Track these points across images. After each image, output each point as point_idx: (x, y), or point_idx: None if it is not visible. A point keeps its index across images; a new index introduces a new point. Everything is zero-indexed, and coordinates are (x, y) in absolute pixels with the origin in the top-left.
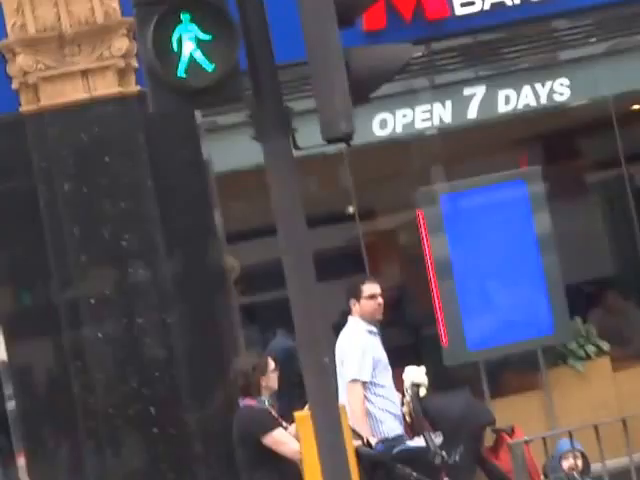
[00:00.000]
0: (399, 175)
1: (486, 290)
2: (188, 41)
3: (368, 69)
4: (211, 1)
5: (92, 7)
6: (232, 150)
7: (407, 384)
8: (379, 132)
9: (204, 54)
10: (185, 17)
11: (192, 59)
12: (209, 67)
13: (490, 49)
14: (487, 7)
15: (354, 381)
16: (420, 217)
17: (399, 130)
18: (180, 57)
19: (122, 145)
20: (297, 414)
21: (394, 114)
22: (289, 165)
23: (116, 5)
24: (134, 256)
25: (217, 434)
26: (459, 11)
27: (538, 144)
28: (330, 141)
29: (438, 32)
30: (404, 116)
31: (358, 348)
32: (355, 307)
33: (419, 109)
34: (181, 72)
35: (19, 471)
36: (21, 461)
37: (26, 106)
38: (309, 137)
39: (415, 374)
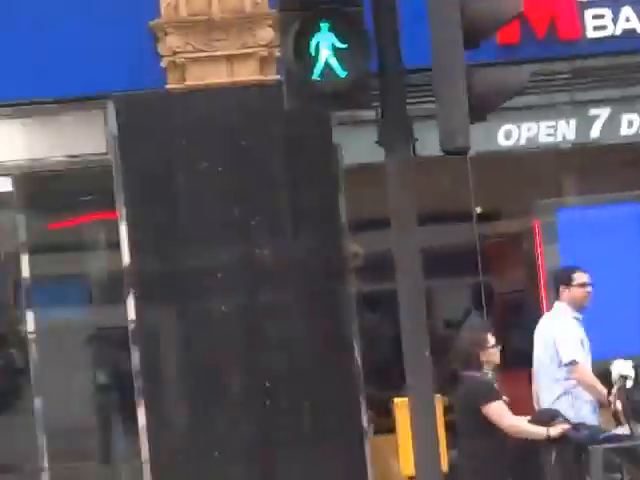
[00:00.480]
0: (519, 184)
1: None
2: (325, 48)
3: (487, 89)
4: (349, 12)
5: None
6: (361, 143)
7: (615, 376)
8: (504, 142)
9: (338, 61)
10: (324, 25)
11: (327, 64)
12: (342, 73)
13: (619, 72)
14: (618, 32)
15: (572, 362)
16: (536, 227)
17: (523, 142)
18: (316, 62)
19: (258, 130)
20: (396, 400)
21: (519, 127)
22: (407, 173)
23: None
24: (261, 236)
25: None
26: (591, 34)
27: None
28: (448, 153)
29: (568, 52)
30: (529, 129)
31: (569, 332)
32: (565, 293)
33: (544, 124)
34: (316, 75)
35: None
36: (141, 419)
37: (173, 84)
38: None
39: (623, 366)
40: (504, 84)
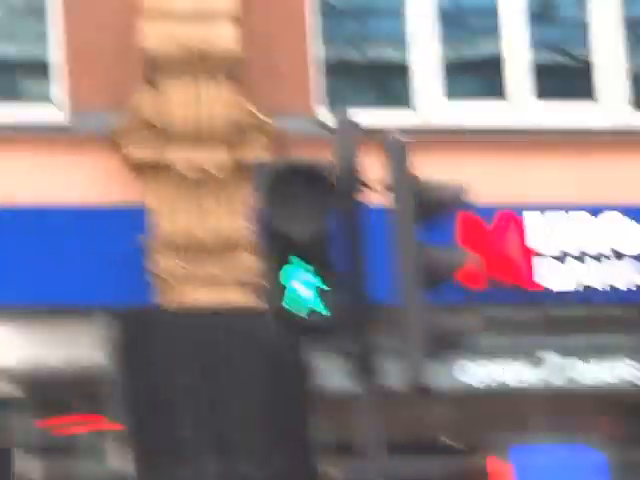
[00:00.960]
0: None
1: None
2: (301, 283)
3: (451, 329)
4: (319, 253)
5: (228, 222)
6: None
7: None
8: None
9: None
10: (297, 263)
11: (301, 299)
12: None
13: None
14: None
15: None
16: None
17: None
18: (294, 298)
19: (246, 351)
20: None
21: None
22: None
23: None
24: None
25: None
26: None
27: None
28: (412, 394)
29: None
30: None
31: None
32: None
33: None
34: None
35: None
36: None
37: (162, 301)
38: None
39: None
40: (460, 327)
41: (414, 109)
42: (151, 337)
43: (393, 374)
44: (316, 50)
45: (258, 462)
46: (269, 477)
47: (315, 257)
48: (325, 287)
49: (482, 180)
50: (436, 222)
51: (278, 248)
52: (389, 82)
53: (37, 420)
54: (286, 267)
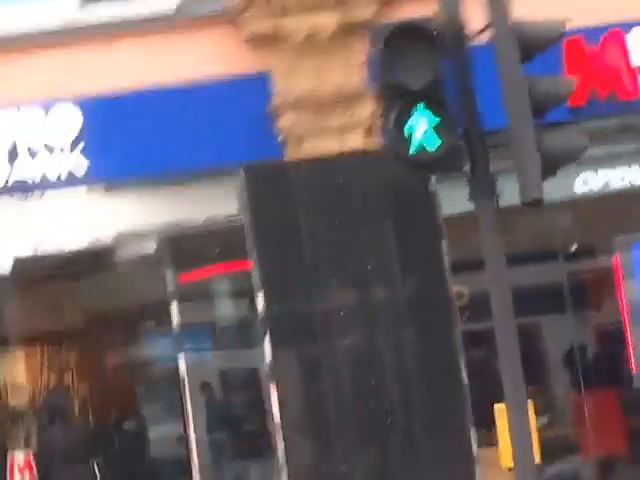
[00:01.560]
0: (606, 224)
1: None
2: (420, 127)
3: (555, 151)
4: (437, 100)
5: (345, 77)
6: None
7: None
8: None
9: (432, 136)
10: (417, 110)
11: (423, 140)
12: (435, 145)
13: None
14: None
15: None
16: (616, 263)
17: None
18: (413, 138)
19: (367, 187)
20: (496, 406)
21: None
22: (493, 222)
23: (364, 75)
24: (375, 280)
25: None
26: None
27: None
28: (525, 205)
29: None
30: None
31: None
32: None
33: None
34: (414, 148)
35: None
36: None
37: (291, 154)
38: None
39: None
40: (568, 145)
41: None
42: (281, 186)
43: (510, 192)
44: None
45: (394, 287)
46: (405, 299)
47: (430, 100)
48: (441, 124)
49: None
50: (539, 54)
51: (396, 97)
52: None
53: (181, 273)
54: (403, 112)
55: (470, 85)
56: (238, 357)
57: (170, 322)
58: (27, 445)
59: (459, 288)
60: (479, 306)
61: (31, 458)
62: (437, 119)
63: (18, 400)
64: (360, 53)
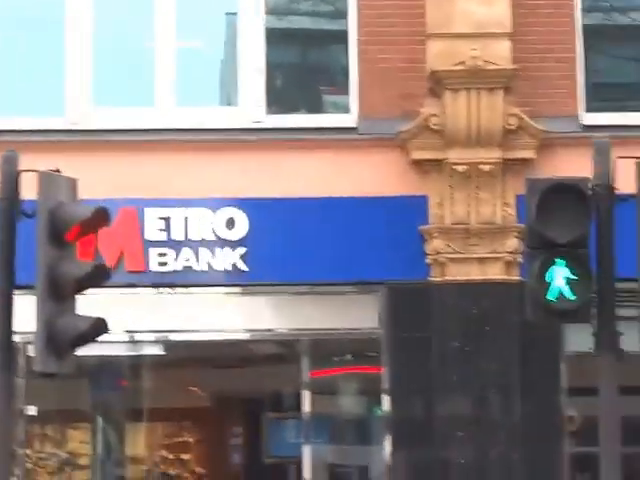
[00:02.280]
0: None
1: None
2: (560, 277)
3: None
4: (579, 253)
5: (494, 211)
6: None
7: None
8: None
9: (569, 288)
10: (560, 262)
11: (560, 290)
12: (571, 297)
13: None
14: None
15: None
16: None
17: None
18: (551, 287)
19: (500, 319)
20: None
21: None
22: (613, 375)
23: (513, 212)
24: (496, 400)
25: None
26: None
27: None
28: None
29: None
30: None
31: None
32: None
33: None
34: (551, 297)
35: None
36: None
37: (434, 277)
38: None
39: None
40: None
41: None
42: (420, 306)
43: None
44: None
45: (512, 408)
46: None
47: (572, 256)
48: (578, 280)
49: None
50: None
51: (542, 247)
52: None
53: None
54: (547, 262)
55: (610, 246)
56: (352, 453)
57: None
58: None
59: (571, 412)
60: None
61: None
62: (575, 276)
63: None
64: (512, 190)
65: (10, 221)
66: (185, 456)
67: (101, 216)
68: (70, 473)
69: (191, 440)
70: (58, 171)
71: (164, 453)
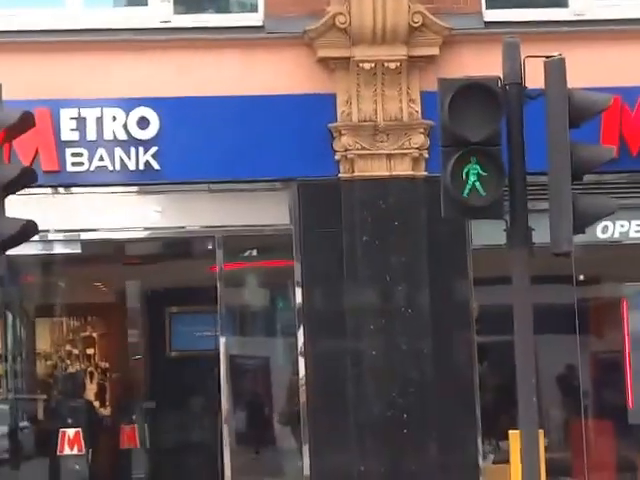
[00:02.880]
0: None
1: None
2: (472, 174)
3: (587, 212)
4: (491, 153)
5: (401, 107)
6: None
7: None
8: (601, 235)
9: (481, 184)
10: (473, 159)
11: (473, 186)
12: (483, 193)
13: None
14: None
15: None
16: (624, 302)
17: (616, 236)
18: (466, 184)
19: (408, 213)
20: (510, 432)
21: (614, 223)
22: (525, 269)
23: (418, 109)
24: (405, 296)
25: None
26: None
27: None
28: (556, 255)
29: None
30: (622, 226)
31: None
32: None
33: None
34: (465, 193)
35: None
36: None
37: (343, 174)
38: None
39: None
40: (599, 208)
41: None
42: (330, 203)
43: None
44: None
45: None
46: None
47: (486, 154)
48: (489, 177)
49: None
50: (585, 122)
51: (456, 146)
52: None
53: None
54: (460, 160)
55: (521, 144)
56: (260, 344)
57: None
58: None
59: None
60: (490, 320)
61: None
62: (487, 173)
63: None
64: (417, 87)
65: None
66: (90, 351)
67: (27, 120)
68: None
69: (95, 335)
70: None
71: (69, 348)
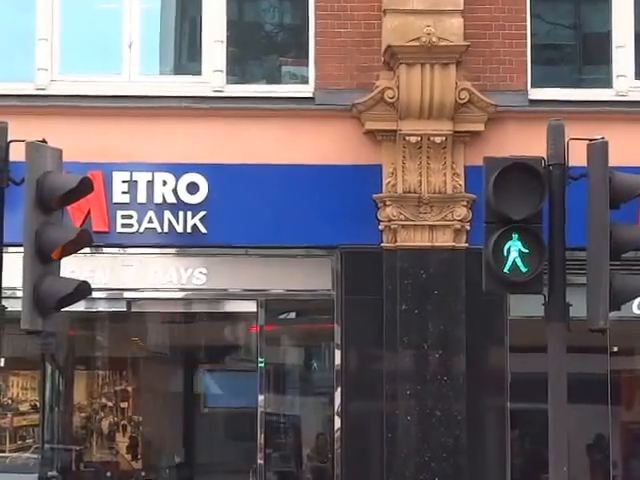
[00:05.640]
0: None
1: None
2: (513, 251)
3: (623, 291)
4: (532, 231)
5: (445, 181)
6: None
7: None
8: (637, 311)
9: (522, 260)
10: (515, 236)
11: (514, 262)
12: (524, 270)
13: None
14: None
15: None
16: None
17: None
18: (507, 260)
19: (448, 283)
20: None
21: None
22: (562, 340)
23: (462, 182)
24: (441, 362)
25: None
26: None
27: None
28: (591, 330)
29: None
30: None
31: None
32: None
33: None
34: (505, 269)
35: None
36: None
37: (386, 243)
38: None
39: None
40: (635, 287)
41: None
42: (374, 269)
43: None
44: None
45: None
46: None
47: (527, 232)
48: (530, 254)
49: None
50: (623, 204)
51: (498, 223)
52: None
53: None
54: (502, 237)
55: (562, 222)
56: (296, 403)
57: None
58: None
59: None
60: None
61: None
62: (528, 249)
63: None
64: (461, 161)
65: None
66: (124, 404)
67: (86, 186)
68: (12, 418)
69: (130, 389)
70: (44, 141)
71: (104, 401)
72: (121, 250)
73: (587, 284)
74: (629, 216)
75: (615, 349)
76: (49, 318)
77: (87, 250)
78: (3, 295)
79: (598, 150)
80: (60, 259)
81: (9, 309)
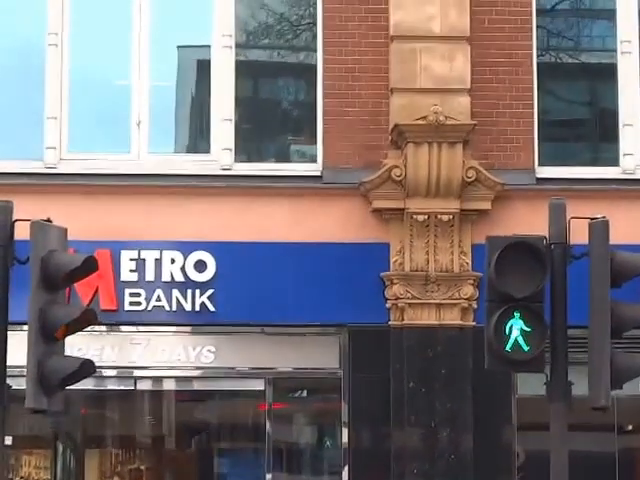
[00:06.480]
0: None
1: None
2: (515, 329)
3: (624, 369)
4: (534, 309)
5: (452, 259)
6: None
7: None
8: None
9: (524, 339)
10: (516, 314)
11: (516, 341)
12: (525, 348)
13: None
14: None
15: None
16: None
17: None
18: (509, 338)
19: (455, 361)
20: None
21: None
22: (564, 423)
23: (469, 260)
24: (449, 440)
25: None
26: None
27: None
28: (593, 409)
29: None
30: None
31: None
32: None
33: None
34: (508, 347)
35: None
36: None
37: (393, 322)
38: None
39: None
40: (636, 366)
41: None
42: (381, 348)
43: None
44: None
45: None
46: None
47: (529, 310)
48: (532, 333)
49: None
50: (625, 283)
51: (502, 302)
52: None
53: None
54: (506, 316)
55: (564, 301)
56: None
57: None
58: None
59: (517, 448)
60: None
61: None
62: (530, 328)
63: None
64: (468, 240)
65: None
66: None
67: (90, 265)
68: None
69: (143, 467)
70: (49, 220)
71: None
72: (129, 328)
73: (589, 363)
74: (632, 293)
75: (627, 427)
76: (54, 397)
77: (95, 328)
78: (14, 374)
79: (599, 229)
80: (64, 338)
81: (19, 388)
